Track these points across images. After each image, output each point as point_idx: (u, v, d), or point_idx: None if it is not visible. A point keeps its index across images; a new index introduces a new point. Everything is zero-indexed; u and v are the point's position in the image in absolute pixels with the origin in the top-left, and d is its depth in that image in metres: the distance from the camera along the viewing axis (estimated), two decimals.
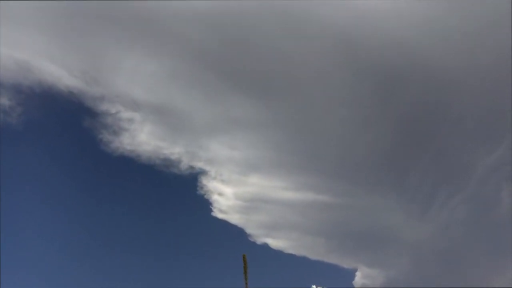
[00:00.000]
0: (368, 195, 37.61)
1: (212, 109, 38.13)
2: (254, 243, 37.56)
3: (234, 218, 38.30)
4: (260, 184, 38.81)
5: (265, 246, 37.53)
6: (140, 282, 35.43)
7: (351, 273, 37.16)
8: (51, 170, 36.51)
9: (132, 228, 38.33)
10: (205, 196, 38.34)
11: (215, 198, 38.43)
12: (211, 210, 38.09)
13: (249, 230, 37.99)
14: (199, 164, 38.48)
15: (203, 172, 38.52)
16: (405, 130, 36.86)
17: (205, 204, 38.29)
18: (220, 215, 38.04)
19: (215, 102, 38.00)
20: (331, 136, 37.65)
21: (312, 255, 37.33)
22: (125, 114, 36.83)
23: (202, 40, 35.33)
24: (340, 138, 37.57)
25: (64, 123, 37.72)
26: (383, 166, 37.55)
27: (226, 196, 38.82)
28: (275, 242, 37.91)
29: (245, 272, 14.12)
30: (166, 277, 36.42)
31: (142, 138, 37.40)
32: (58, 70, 34.19)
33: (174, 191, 40.18)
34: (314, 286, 31.30)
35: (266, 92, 37.49)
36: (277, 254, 37.58)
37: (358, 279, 36.43)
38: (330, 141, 37.65)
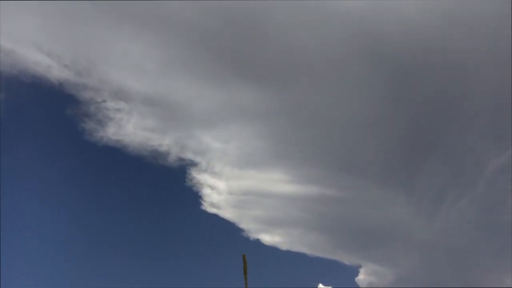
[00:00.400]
0: (376, 190, 36.35)
1: (211, 98, 36.43)
2: (247, 239, 36.35)
3: (226, 213, 36.66)
4: (259, 177, 37.24)
5: (260, 243, 36.43)
6: (124, 276, 34.45)
7: (353, 270, 36.18)
8: (32, 159, 35.14)
9: (116, 221, 37.20)
10: (194, 189, 36.94)
11: (205, 191, 36.94)
12: (200, 204, 36.67)
13: (243, 225, 36.52)
14: (189, 156, 37.04)
15: (193, 164, 37.09)
16: (417, 127, 35.88)
17: (194, 197, 36.93)
18: (210, 209, 36.51)
19: (214, 91, 36.25)
20: (340, 128, 36.16)
21: (313, 252, 36.16)
22: (111, 103, 35.31)
23: (204, 24, 33.48)
24: (350, 131, 36.10)
25: (46, 111, 36.33)
26: (392, 162, 36.30)
27: (217, 189, 37.14)
28: (271, 239, 36.63)
29: (245, 273, 12.77)
30: (151, 273, 35.37)
31: (129, 128, 35.86)
32: (42, 57, 32.61)
33: (162, 184, 38.88)
34: (321, 285, 30.45)
35: (273, 81, 35.77)
36: (273, 251, 36.50)
37: (363, 276, 35.35)
38: (339, 133, 36.16)
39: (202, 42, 34.57)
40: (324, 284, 31.70)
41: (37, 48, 32.39)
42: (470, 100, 34.45)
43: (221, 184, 37.37)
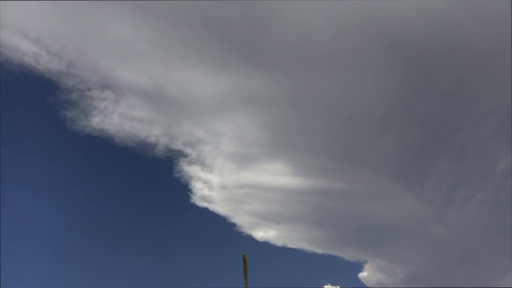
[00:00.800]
0: (385, 186, 35.42)
1: (209, 86, 34.61)
2: (240, 235, 35.09)
3: (218, 207, 35.47)
4: (258, 169, 35.93)
5: (253, 239, 35.06)
6: (107, 271, 33.36)
7: (356, 267, 35.05)
8: (13, 148, 33.45)
9: (100, 213, 35.64)
10: (183, 181, 35.55)
11: (194, 184, 35.56)
12: (189, 197, 35.34)
13: (236, 220, 35.28)
14: (178, 147, 35.63)
15: (182, 155, 35.67)
16: (430, 125, 34.90)
17: (183, 190, 35.63)
18: (201, 203, 35.21)
19: (214, 78, 34.38)
20: (352, 120, 34.70)
21: (311, 248, 35.09)
22: (96, 91, 33.79)
23: (205, 8, 31.56)
24: (363, 125, 34.76)
25: (29, 98, 34.50)
26: (404, 159, 35.39)
27: (208, 182, 35.90)
28: (265, 234, 35.45)
29: (245, 272, 12.81)
30: (136, 268, 34.06)
31: (115, 118, 34.38)
32: (29, 44, 31.15)
33: (149, 176, 37.50)
34: (329, 285, 29.08)
35: (284, 69, 33.91)
36: (267, 247, 35.20)
37: (367, 272, 34.42)
38: (351, 125, 34.82)
39: (204, 27, 32.87)
40: (332, 284, 30.44)
41: (24, 36, 31.12)
42: (483, 99, 33.73)
43: (213, 177, 36.29)
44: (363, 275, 34.17)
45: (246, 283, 12.77)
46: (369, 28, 31.40)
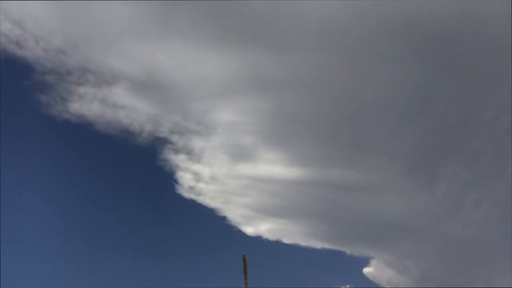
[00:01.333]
0: (396, 179, 34.18)
1: (201, 66, 32.55)
2: (231, 229, 33.81)
3: (207, 199, 34.10)
4: (256, 158, 34.07)
5: (243, 233, 33.85)
6: (92, 265, 32.20)
7: (361, 262, 34.10)
8: None
9: (78, 205, 34.14)
10: (167, 170, 34.39)
11: (181, 174, 34.26)
12: (174, 187, 34.18)
13: (228, 213, 33.94)
14: (164, 134, 34.03)
15: (168, 142, 34.11)
16: (444, 125, 33.73)
17: (168, 180, 34.64)
18: (188, 195, 33.92)
19: (210, 57, 32.20)
20: (367, 109, 32.94)
21: (308, 243, 33.98)
22: (76, 75, 31.94)
23: None
24: (379, 115, 33.29)
25: (7, 81, 32.24)
26: (419, 153, 34.15)
27: (196, 172, 34.43)
28: (257, 229, 34.15)
29: (245, 273, 12.03)
30: (117, 264, 32.97)
31: (96, 104, 32.62)
32: (7, 24, 29.70)
33: (133, 165, 36.30)
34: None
35: (295, 49, 31.65)
36: (262, 242, 34.08)
37: (375, 267, 33.45)
38: (366, 114, 33.12)
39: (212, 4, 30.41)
40: (334, 279, 30.90)
41: (5, 17, 29.58)
42: (498, 97, 32.44)
43: (201, 167, 34.70)
44: (368, 270, 33.28)
45: (246, 284, 11.87)
46: (392, 13, 29.80)
